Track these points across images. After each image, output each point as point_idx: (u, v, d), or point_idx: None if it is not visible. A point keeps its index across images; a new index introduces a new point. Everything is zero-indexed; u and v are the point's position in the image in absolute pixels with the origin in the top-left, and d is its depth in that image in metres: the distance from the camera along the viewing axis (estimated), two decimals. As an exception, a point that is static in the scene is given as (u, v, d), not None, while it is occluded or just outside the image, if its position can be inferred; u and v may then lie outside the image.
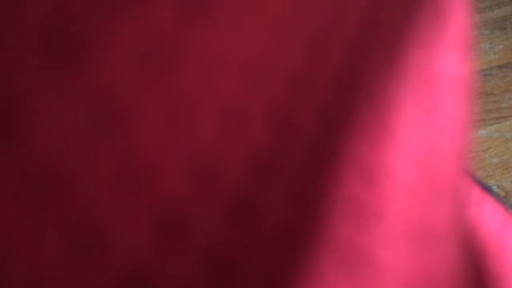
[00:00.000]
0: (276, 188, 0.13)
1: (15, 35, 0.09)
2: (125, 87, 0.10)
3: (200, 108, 0.11)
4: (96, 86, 0.10)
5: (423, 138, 0.15)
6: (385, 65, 0.15)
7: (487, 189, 0.27)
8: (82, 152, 0.10)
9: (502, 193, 1.05)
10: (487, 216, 0.25)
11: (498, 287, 0.23)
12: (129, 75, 0.10)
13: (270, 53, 0.12)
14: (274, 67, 0.12)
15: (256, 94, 0.12)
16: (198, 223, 0.11)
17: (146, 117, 0.10)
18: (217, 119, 0.11)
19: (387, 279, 0.13)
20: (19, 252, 0.09)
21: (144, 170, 0.10)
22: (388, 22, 0.16)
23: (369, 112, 0.14)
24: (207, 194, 0.11)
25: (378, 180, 0.14)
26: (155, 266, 0.11)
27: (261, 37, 0.12)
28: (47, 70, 0.09)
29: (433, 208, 0.15)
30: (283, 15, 0.13)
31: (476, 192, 0.26)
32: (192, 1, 0.11)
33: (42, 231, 0.09)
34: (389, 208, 0.14)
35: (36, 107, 0.09)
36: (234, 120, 0.12)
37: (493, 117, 1.12)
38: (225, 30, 0.11)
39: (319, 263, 0.13)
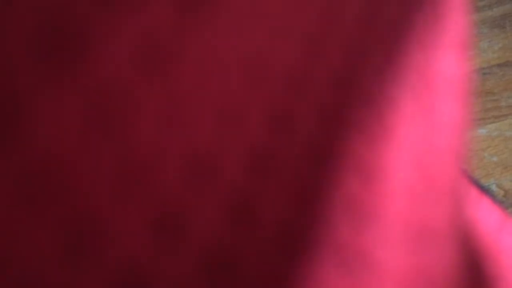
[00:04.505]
0: (275, 188, 0.13)
1: (14, 33, 0.09)
2: (123, 85, 0.10)
3: (198, 107, 0.11)
4: (94, 85, 0.10)
5: (422, 138, 0.15)
6: (384, 65, 0.15)
7: (484, 189, 0.27)
8: (80, 151, 0.10)
9: (501, 192, 1.05)
10: (484, 216, 0.25)
11: (495, 285, 0.23)
12: (128, 73, 0.10)
13: (269, 53, 0.12)
14: (273, 66, 0.12)
15: (255, 94, 0.12)
16: (196, 223, 0.11)
17: (144, 115, 0.10)
18: (215, 118, 0.11)
19: (385, 279, 0.13)
20: (17, 251, 0.09)
21: (142, 169, 0.11)
22: (387, 22, 0.16)
23: (368, 112, 0.14)
24: (205, 194, 0.11)
25: (376, 180, 0.14)
26: (153, 265, 0.11)
27: (260, 36, 0.12)
28: (46, 68, 0.09)
29: (431, 208, 0.15)
30: (281, 14, 0.13)
31: (474, 192, 0.26)
32: (190, 1, 0.11)
33: (40, 230, 0.09)
34: (388, 208, 0.14)
35: (35, 106, 0.09)
36: (233, 119, 0.12)
37: (492, 115, 1.12)
38: (223, 29, 0.11)
39: (318, 263, 0.13)
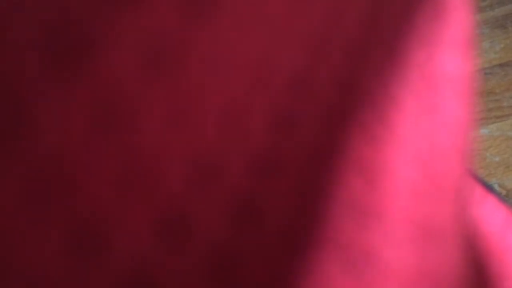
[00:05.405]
0: (278, 188, 0.13)
1: (19, 36, 0.09)
2: (127, 87, 0.10)
3: (201, 108, 0.11)
4: (99, 86, 0.10)
5: (425, 137, 0.15)
6: (386, 65, 0.15)
7: (488, 187, 0.27)
8: (85, 152, 0.10)
9: (504, 192, 1.05)
10: (489, 215, 0.25)
11: (500, 286, 0.23)
12: (132, 75, 0.10)
13: (271, 54, 0.12)
14: (275, 67, 0.12)
15: (258, 94, 0.12)
16: (200, 223, 0.11)
17: (148, 117, 0.10)
18: (218, 119, 0.11)
19: (389, 278, 0.13)
20: (22, 251, 0.09)
21: (146, 170, 0.11)
22: (388, 21, 0.16)
23: (370, 112, 0.14)
24: (208, 194, 0.11)
25: (380, 179, 0.14)
26: (157, 266, 0.11)
27: (262, 37, 0.12)
28: (51, 70, 0.09)
29: (435, 206, 0.15)
30: (284, 16, 0.13)
31: (478, 191, 0.26)
32: (193, 2, 0.11)
33: (45, 230, 0.09)
34: (392, 207, 0.14)
35: (40, 107, 0.09)
36: (236, 120, 0.12)
37: (494, 115, 1.12)
38: (226, 31, 0.11)
39: (322, 262, 0.13)
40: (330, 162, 0.13)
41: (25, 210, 0.09)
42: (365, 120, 0.14)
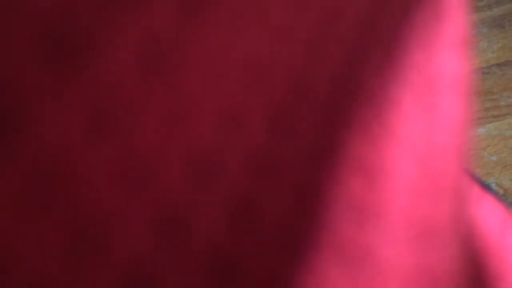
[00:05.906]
0: (276, 187, 0.13)
1: (17, 35, 0.09)
2: (125, 87, 0.10)
3: (199, 108, 0.11)
4: (97, 86, 0.10)
5: (423, 136, 0.15)
6: (384, 65, 0.15)
7: (486, 187, 0.27)
8: (83, 152, 0.10)
9: (501, 191, 1.06)
10: (487, 214, 0.25)
11: (497, 285, 0.23)
12: (130, 75, 0.10)
13: (270, 54, 0.12)
14: (274, 67, 0.12)
15: (256, 94, 0.12)
16: (198, 223, 0.11)
17: (146, 117, 0.10)
18: (216, 119, 0.11)
19: (388, 276, 0.13)
20: (22, 252, 0.09)
21: (144, 170, 0.11)
22: (387, 22, 0.16)
23: (369, 111, 0.14)
24: (208, 194, 0.11)
25: (378, 178, 0.14)
26: (158, 265, 0.11)
27: (261, 38, 0.12)
28: (49, 70, 0.09)
29: (434, 206, 0.15)
30: (282, 16, 0.13)
31: (475, 190, 0.26)
32: (192, 2, 0.11)
33: (45, 230, 0.09)
34: (390, 207, 0.14)
35: (38, 107, 0.09)
36: (234, 120, 0.12)
37: (491, 115, 1.12)
38: (224, 30, 0.11)
39: (321, 262, 0.13)
40: (329, 162, 0.13)
41: (25, 210, 0.09)
42: (364, 120, 0.14)
